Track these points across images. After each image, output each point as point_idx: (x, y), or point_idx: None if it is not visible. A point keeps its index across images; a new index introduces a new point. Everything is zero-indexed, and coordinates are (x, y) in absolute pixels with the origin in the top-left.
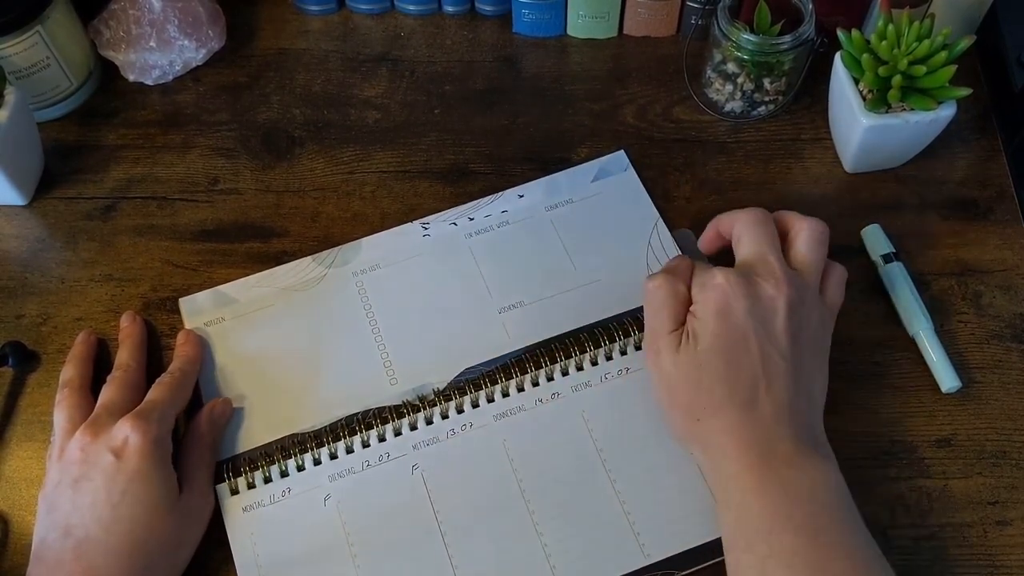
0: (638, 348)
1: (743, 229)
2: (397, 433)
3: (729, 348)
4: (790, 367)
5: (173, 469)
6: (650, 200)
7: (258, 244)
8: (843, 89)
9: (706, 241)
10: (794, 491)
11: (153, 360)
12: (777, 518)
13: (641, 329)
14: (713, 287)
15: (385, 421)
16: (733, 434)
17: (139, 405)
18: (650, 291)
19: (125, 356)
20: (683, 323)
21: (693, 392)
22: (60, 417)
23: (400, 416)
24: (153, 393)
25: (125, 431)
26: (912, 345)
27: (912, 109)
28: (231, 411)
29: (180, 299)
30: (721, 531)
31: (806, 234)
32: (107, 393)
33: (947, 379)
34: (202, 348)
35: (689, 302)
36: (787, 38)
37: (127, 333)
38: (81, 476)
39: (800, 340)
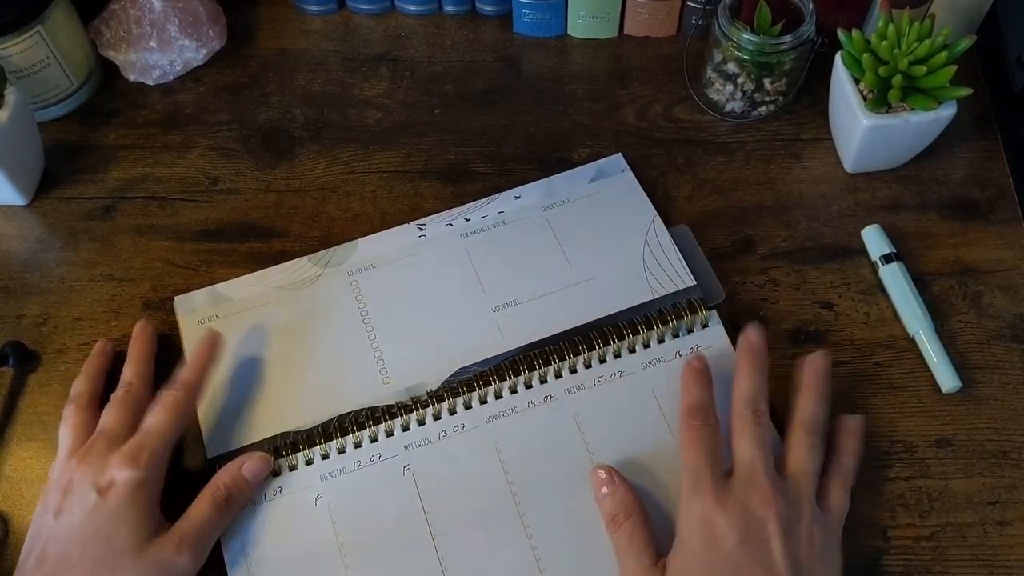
0: (632, 351)
1: (738, 430)
2: (389, 434)
3: None
4: None
5: (157, 513)
6: (647, 198)
7: (258, 244)
8: (843, 89)
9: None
10: None
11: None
12: None
13: (635, 332)
14: (700, 520)
15: (377, 421)
16: None
17: (135, 434)
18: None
19: (129, 374)
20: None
21: None
22: (64, 434)
23: (392, 417)
24: (151, 418)
25: (113, 472)
26: (912, 345)
27: (912, 109)
28: (268, 470)
29: (175, 297)
30: None
31: (800, 436)
32: (107, 416)
33: (947, 379)
34: (218, 353)
35: None
36: (787, 38)
37: (134, 345)
38: (63, 508)
39: (803, 561)
